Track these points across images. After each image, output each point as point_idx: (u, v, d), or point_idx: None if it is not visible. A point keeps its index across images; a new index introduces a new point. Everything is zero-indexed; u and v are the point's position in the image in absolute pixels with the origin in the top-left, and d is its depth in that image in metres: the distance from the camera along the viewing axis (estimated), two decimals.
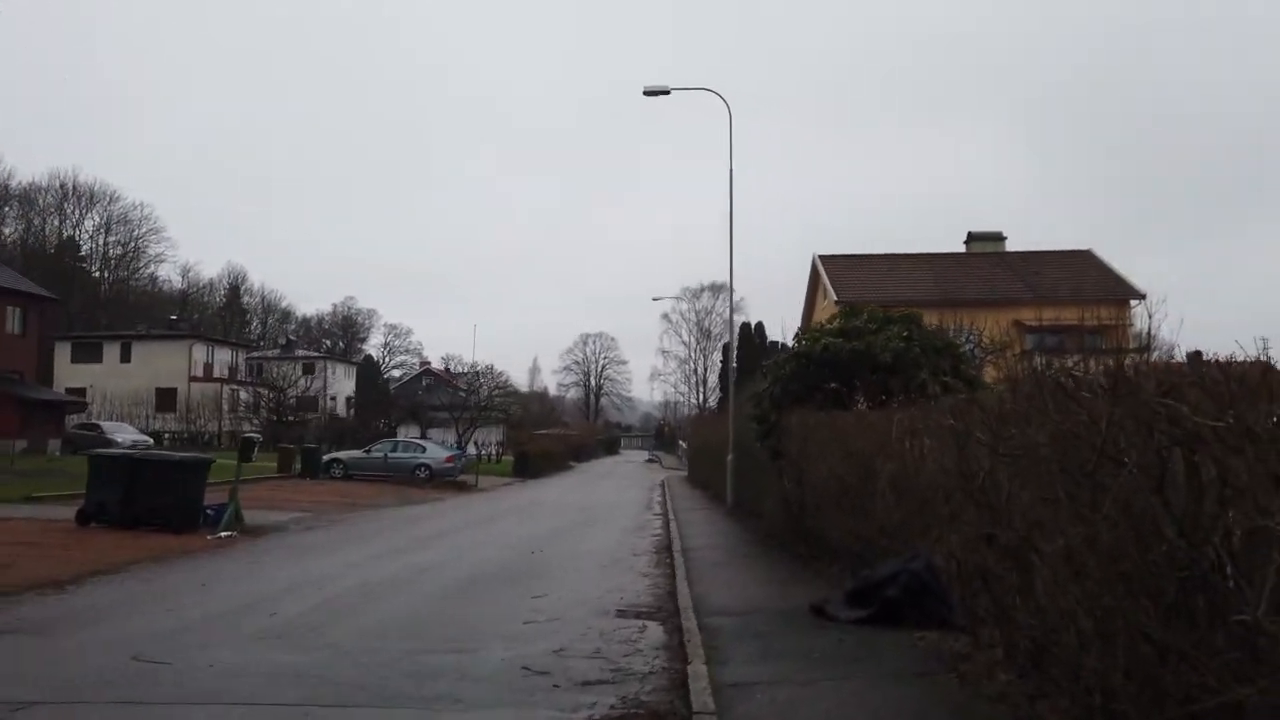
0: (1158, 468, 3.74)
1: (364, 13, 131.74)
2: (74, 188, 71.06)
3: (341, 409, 68.81)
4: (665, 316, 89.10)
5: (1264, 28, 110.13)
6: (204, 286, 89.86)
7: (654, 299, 49.51)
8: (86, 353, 56.81)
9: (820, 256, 42.97)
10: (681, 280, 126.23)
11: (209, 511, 15.96)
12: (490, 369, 54.77)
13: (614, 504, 25.95)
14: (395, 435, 50.83)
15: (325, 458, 34.00)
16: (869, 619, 7.21)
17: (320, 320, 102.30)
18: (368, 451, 34.39)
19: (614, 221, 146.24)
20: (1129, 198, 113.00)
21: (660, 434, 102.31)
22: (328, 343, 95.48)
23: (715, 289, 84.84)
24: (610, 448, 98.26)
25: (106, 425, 44.01)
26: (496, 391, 51.70)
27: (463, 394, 56.68)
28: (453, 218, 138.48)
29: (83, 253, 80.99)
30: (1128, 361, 4.63)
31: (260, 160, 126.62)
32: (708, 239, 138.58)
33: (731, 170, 23.02)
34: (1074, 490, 4.28)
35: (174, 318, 61.03)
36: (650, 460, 73.70)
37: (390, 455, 33.51)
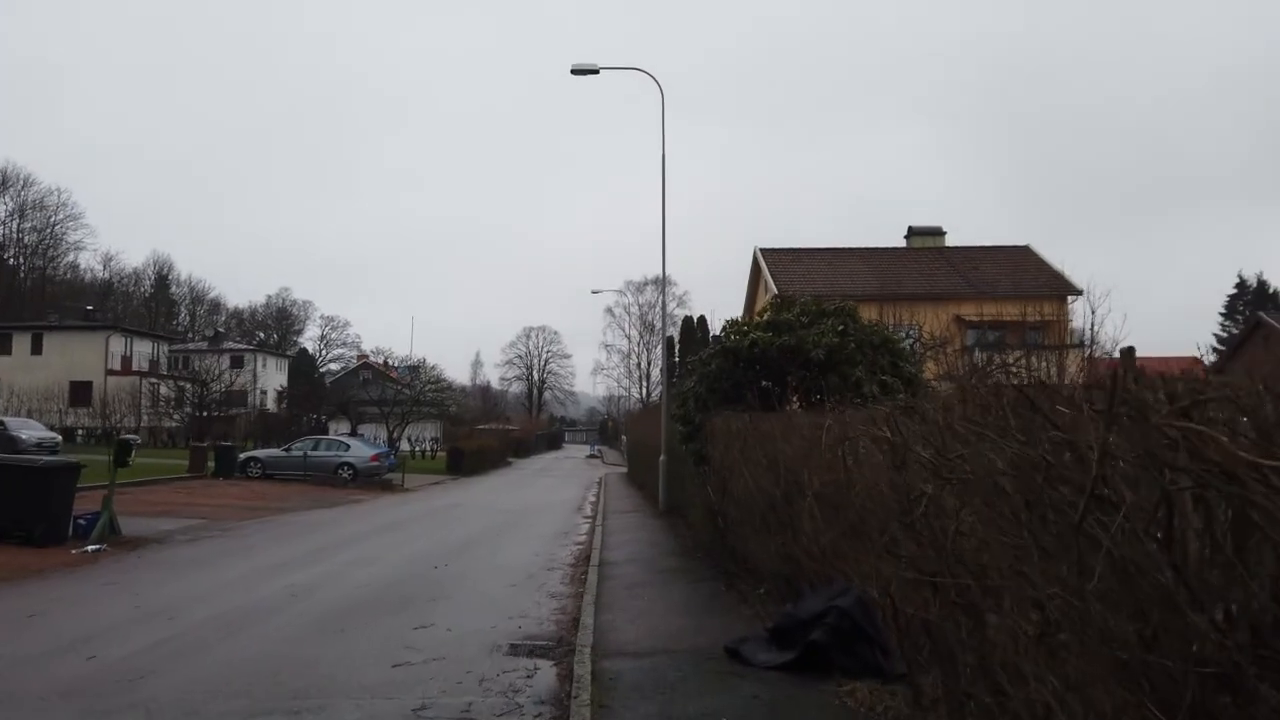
0: (1165, 517, 2.65)
1: None
2: None
3: (273, 404, 66.16)
4: (609, 310, 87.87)
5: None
6: (128, 276, 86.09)
7: (594, 291, 47.81)
8: None
9: (761, 250, 42.14)
10: (627, 275, 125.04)
11: (80, 522, 14.33)
12: (423, 362, 52.89)
13: (544, 506, 24.65)
14: (326, 431, 48.78)
15: (242, 456, 32.05)
16: (792, 664, 6.09)
17: (254, 312, 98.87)
18: (287, 450, 32.49)
19: (558, 217, 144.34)
20: (1061, 198, 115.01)
21: (604, 429, 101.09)
22: (261, 335, 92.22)
23: (659, 283, 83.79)
24: (553, 443, 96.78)
25: (10, 421, 41.02)
26: (430, 385, 49.76)
27: (402, 389, 54.73)
28: (390, 209, 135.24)
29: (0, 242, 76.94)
30: (1097, 368, 3.59)
31: (182, 147, 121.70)
32: (653, 234, 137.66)
33: (664, 154, 21.94)
34: (1046, 538, 3.17)
35: (90, 308, 57.69)
36: (592, 456, 72.38)
37: (310, 454, 31.66)
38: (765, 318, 11.22)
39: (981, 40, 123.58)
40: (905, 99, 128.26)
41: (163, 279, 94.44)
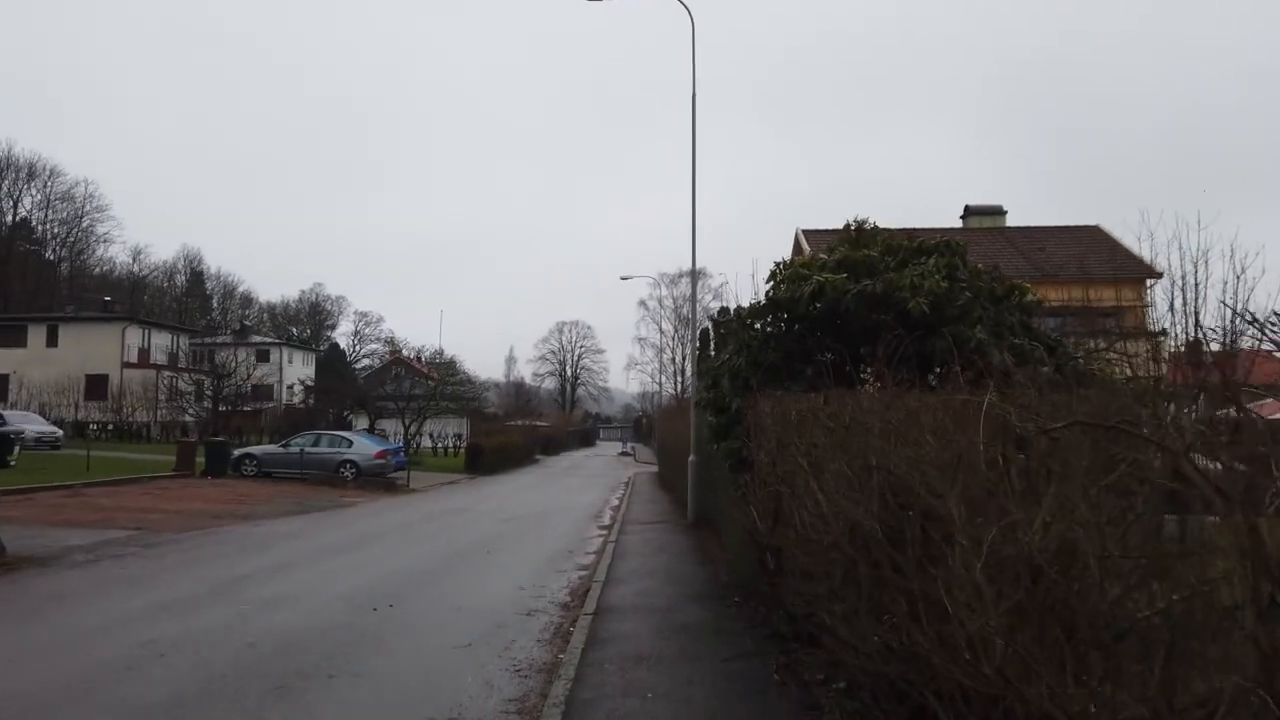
0: None
1: None
2: (9, 161, 65.02)
3: (299, 398, 63.56)
4: (642, 303, 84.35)
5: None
6: (162, 270, 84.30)
7: (623, 278, 44.29)
8: (8, 336, 51.36)
9: (803, 230, 38.25)
10: (660, 269, 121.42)
11: None
12: (440, 353, 49.78)
13: (557, 511, 21.17)
14: (349, 427, 45.77)
15: (236, 453, 29.05)
16: None
17: (286, 306, 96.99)
18: (285, 446, 29.41)
19: (593, 212, 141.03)
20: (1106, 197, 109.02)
21: (639, 426, 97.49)
22: (294, 330, 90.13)
23: (693, 275, 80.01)
24: (586, 440, 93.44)
25: (10, 415, 38.77)
26: (450, 379, 46.49)
27: (420, 381, 51.74)
28: (423, 206, 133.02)
29: (36, 235, 75.47)
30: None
31: (210, 139, 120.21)
32: (686, 229, 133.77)
33: (694, 94, 18.25)
34: None
35: (108, 299, 55.42)
36: (624, 454, 68.80)
37: (309, 451, 28.51)
38: (834, 255, 7.55)
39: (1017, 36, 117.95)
40: (941, 93, 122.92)
41: (197, 274, 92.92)
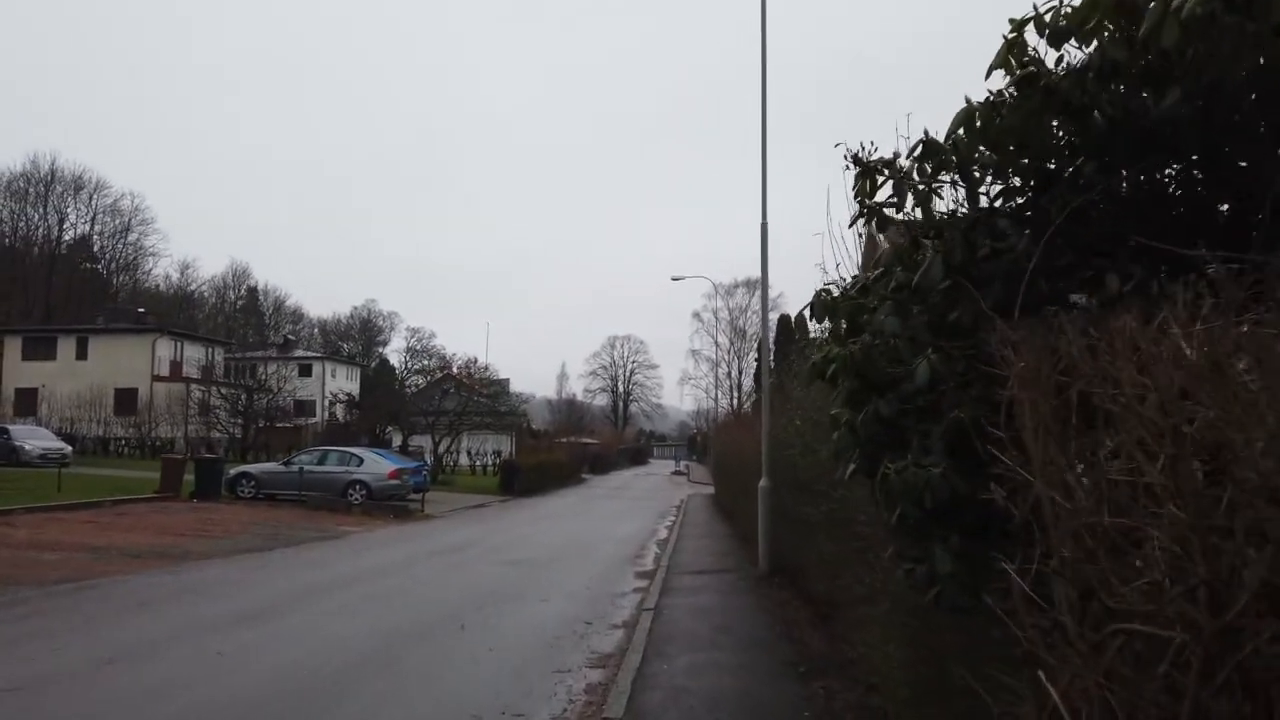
0: None
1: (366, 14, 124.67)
2: (55, 173, 63.27)
3: (342, 413, 60.12)
4: (696, 315, 79.49)
5: None
6: (213, 284, 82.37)
7: (674, 279, 39.77)
8: (39, 349, 48.78)
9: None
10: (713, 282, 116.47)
11: None
12: (472, 359, 45.65)
13: (586, 549, 16.45)
14: (387, 445, 41.80)
15: (232, 472, 25.01)
16: None
17: (338, 321, 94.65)
18: (287, 464, 25.29)
19: (646, 227, 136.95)
20: None
21: (693, 444, 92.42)
22: (345, 346, 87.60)
23: (750, 284, 75.06)
24: (638, 458, 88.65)
25: (17, 430, 35.60)
26: (485, 390, 42.18)
27: (462, 394, 47.62)
28: (477, 223, 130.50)
29: (96, 253, 74.08)
30: None
31: (254, 151, 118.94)
32: (740, 243, 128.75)
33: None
34: None
35: (141, 310, 52.63)
36: (677, 473, 63.82)
37: (310, 470, 24.30)
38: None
39: None
40: None
41: (253, 291, 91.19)
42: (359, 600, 10.16)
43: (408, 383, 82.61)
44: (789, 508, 10.37)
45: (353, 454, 25.74)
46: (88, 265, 71.72)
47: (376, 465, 25.14)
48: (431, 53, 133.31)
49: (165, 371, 48.98)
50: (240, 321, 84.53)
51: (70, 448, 35.44)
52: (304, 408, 58.94)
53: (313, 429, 53.51)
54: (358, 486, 24.24)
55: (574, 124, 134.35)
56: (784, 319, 60.49)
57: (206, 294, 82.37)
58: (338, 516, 21.71)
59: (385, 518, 22.17)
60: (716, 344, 68.41)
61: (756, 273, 77.26)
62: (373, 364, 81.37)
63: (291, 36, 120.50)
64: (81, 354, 48.52)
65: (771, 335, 39.07)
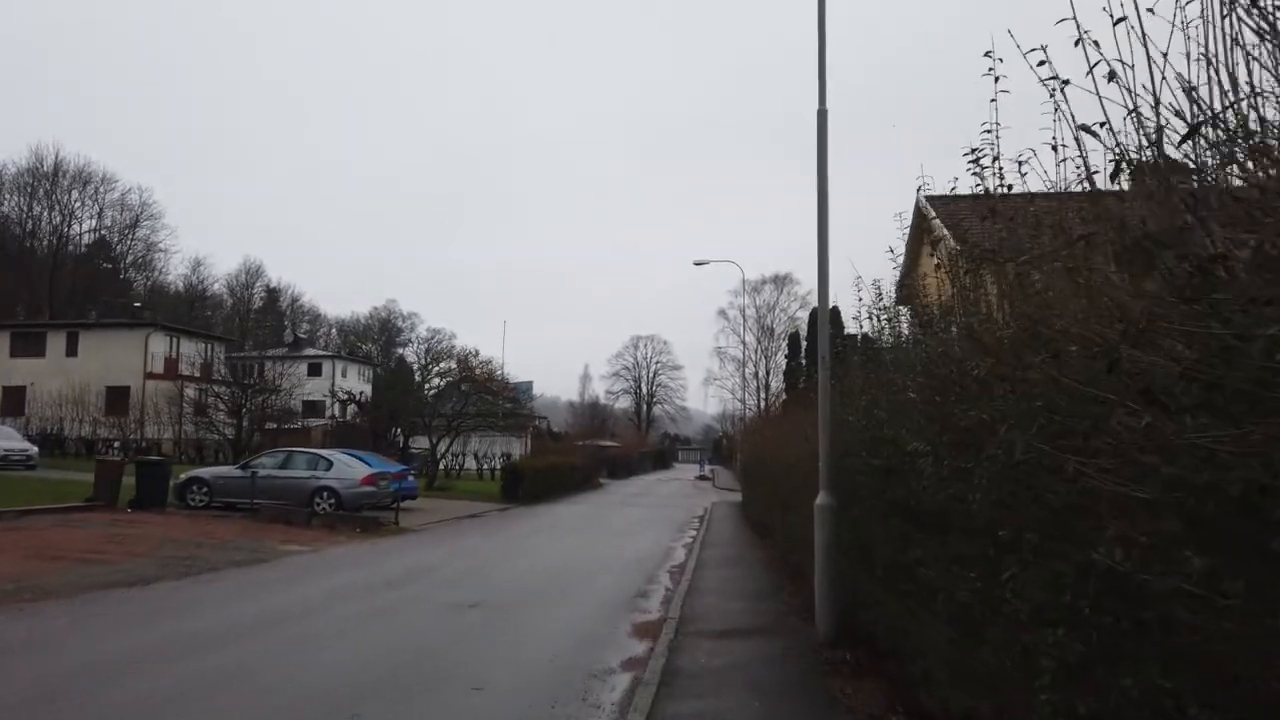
0: None
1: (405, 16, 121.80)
2: (59, 167, 60.40)
3: (340, 411, 56.47)
4: (722, 313, 75.18)
5: None
6: (231, 283, 79.44)
7: (696, 263, 35.80)
8: (28, 345, 45.66)
9: (928, 197, 28.96)
10: (737, 284, 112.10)
11: None
12: (474, 352, 41.70)
13: (579, 580, 12.35)
14: (399, 445, 38.03)
15: (183, 477, 21.26)
16: None
17: (357, 321, 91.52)
18: (244, 467, 21.48)
19: (672, 228, 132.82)
20: None
21: (718, 447, 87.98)
22: (363, 346, 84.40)
23: (779, 281, 70.72)
24: (661, 461, 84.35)
25: None
26: (485, 392, 38.08)
27: (465, 392, 43.66)
28: (497, 222, 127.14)
29: (114, 254, 71.45)
30: None
31: (259, 147, 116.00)
32: (770, 241, 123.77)
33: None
34: None
35: (138, 304, 49.39)
36: (701, 478, 59.48)
37: (270, 475, 20.49)
38: None
39: None
40: None
41: (272, 291, 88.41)
42: (194, 687, 6.11)
43: (428, 384, 79.18)
44: (867, 541, 6.25)
45: (321, 457, 21.82)
46: (106, 265, 69.06)
47: (348, 470, 21.24)
48: (455, 59, 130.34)
49: (159, 369, 45.60)
50: (255, 322, 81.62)
51: (36, 449, 31.98)
52: (314, 408, 55.42)
53: (322, 430, 49.92)
54: (325, 494, 20.37)
55: (605, 129, 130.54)
56: (814, 315, 56.21)
57: (222, 294, 79.44)
58: (292, 531, 17.80)
59: (349, 532, 18.24)
60: (744, 342, 64.06)
61: (785, 269, 72.38)
62: (391, 363, 77.99)
63: (356, 52, 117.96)
64: (72, 350, 45.34)
65: (805, 329, 34.29)
